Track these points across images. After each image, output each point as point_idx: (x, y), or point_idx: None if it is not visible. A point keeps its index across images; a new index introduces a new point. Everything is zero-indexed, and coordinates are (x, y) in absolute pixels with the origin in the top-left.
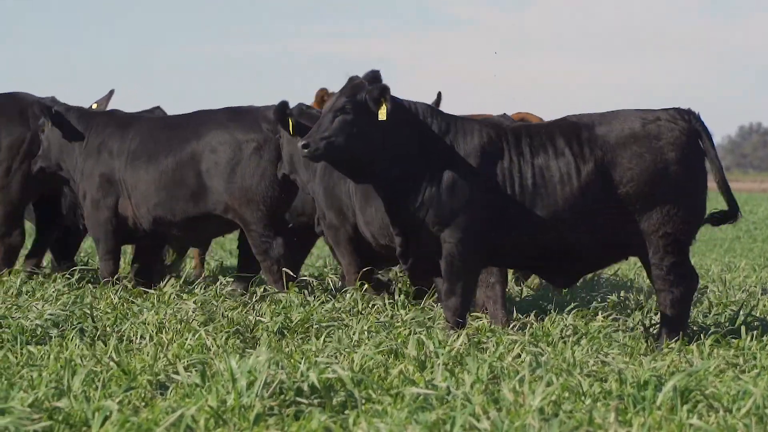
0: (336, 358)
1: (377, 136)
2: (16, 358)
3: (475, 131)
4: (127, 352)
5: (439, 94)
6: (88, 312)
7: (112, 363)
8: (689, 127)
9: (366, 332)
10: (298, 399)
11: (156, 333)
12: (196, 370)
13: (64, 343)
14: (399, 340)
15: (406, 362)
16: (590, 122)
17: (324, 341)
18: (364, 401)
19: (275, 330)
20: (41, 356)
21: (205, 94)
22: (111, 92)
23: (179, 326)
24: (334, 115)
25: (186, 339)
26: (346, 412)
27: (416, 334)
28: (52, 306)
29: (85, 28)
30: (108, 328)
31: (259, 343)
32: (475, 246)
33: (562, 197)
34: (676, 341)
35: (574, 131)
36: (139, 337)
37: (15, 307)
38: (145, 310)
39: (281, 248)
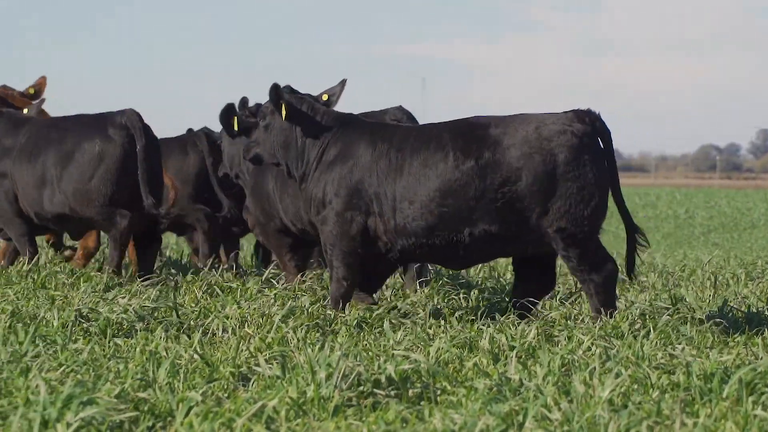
0: (412, 351)
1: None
2: (104, 350)
3: (359, 127)
4: (210, 345)
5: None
6: (173, 306)
7: (195, 355)
8: (584, 129)
9: (441, 326)
10: (376, 390)
11: (238, 327)
12: (277, 363)
13: (149, 336)
14: (473, 334)
15: (480, 355)
16: (486, 123)
17: (401, 334)
18: (439, 392)
19: (354, 323)
20: (127, 349)
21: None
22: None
23: (261, 320)
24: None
25: (267, 332)
26: (422, 403)
27: (489, 327)
28: (138, 300)
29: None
30: (192, 322)
31: (338, 336)
32: (348, 235)
33: (443, 192)
34: (604, 322)
35: (468, 131)
36: (222, 330)
37: (102, 301)
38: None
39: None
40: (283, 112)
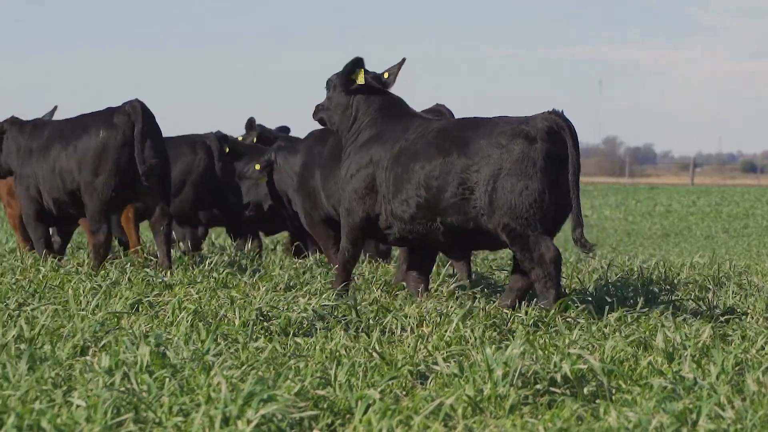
0: (587, 349)
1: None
2: (284, 349)
3: (393, 116)
4: (389, 343)
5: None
6: (353, 305)
7: (374, 354)
8: (541, 132)
9: (615, 324)
10: (551, 389)
11: (417, 326)
12: (454, 361)
13: (329, 335)
14: (647, 333)
15: (654, 354)
16: (465, 124)
17: (576, 333)
18: (614, 391)
19: (530, 323)
20: (307, 347)
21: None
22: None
23: (438, 319)
24: None
25: (445, 331)
26: (597, 401)
27: (663, 326)
28: (318, 300)
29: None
30: (371, 321)
31: (514, 335)
32: (357, 213)
33: (420, 184)
34: (550, 306)
35: (449, 130)
36: (400, 329)
37: (283, 300)
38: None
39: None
40: (360, 78)
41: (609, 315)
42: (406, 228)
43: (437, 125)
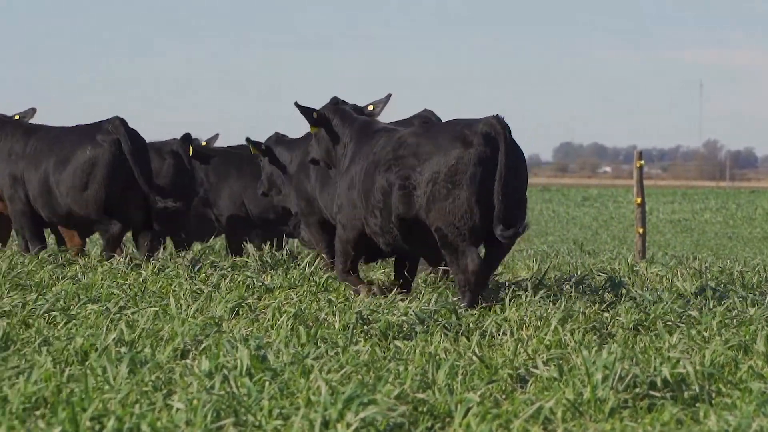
0: (687, 353)
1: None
2: (384, 352)
3: (364, 135)
4: (489, 347)
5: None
6: (452, 309)
7: (474, 357)
8: (479, 137)
9: (716, 328)
10: (651, 392)
11: (516, 329)
12: (554, 365)
13: (428, 339)
14: (747, 337)
15: (755, 358)
16: (415, 132)
17: (676, 337)
18: (714, 395)
19: (630, 326)
20: (407, 351)
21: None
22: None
23: (538, 323)
24: None
25: (545, 335)
26: (697, 405)
27: (764, 330)
28: (418, 303)
29: None
30: (471, 324)
31: (614, 338)
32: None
33: (371, 191)
34: (468, 309)
35: (400, 138)
36: (500, 332)
37: (383, 304)
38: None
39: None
40: (314, 115)
41: (710, 319)
42: (373, 232)
43: (398, 135)
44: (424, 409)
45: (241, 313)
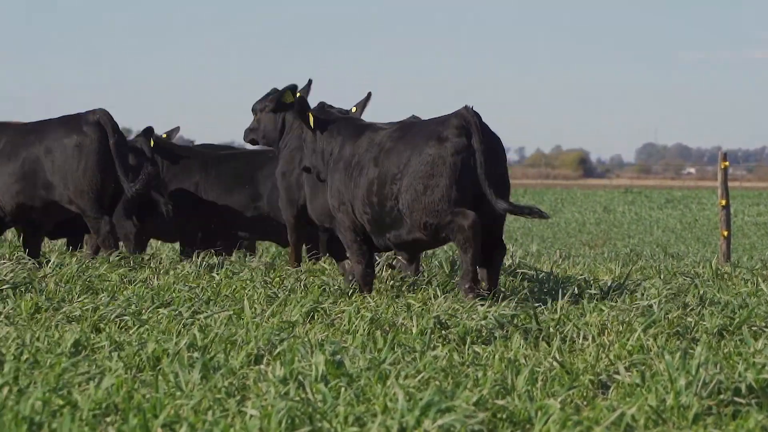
0: None
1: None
2: (462, 357)
3: (350, 133)
4: (569, 352)
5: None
6: (532, 313)
7: (555, 363)
8: (453, 131)
9: None
10: (736, 399)
11: (598, 334)
12: (636, 370)
13: (508, 344)
14: None
15: None
16: (392, 134)
17: (761, 342)
18: None
19: (714, 331)
20: (486, 356)
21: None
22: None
23: (621, 327)
24: None
25: (627, 340)
26: None
27: None
28: (497, 307)
29: None
30: (551, 329)
31: (698, 344)
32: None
33: (364, 204)
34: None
35: (379, 144)
36: (581, 337)
37: (461, 308)
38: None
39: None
40: (311, 122)
41: None
42: (375, 239)
43: (378, 138)
44: (503, 416)
45: (316, 317)
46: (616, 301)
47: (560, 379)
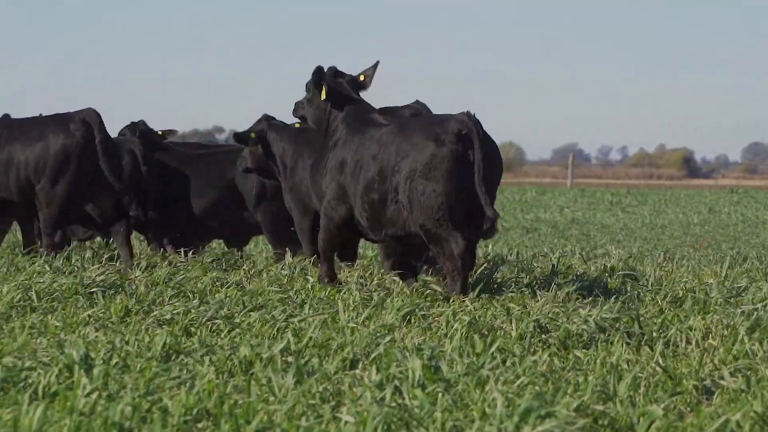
0: None
1: None
2: (562, 362)
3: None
4: (673, 357)
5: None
6: (635, 317)
7: (657, 368)
8: (452, 134)
9: None
10: None
11: (702, 338)
12: (741, 376)
13: (609, 348)
14: None
15: None
16: (393, 130)
17: None
18: None
19: None
20: (587, 361)
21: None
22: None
23: (725, 332)
24: None
25: (732, 344)
26: None
27: None
28: (599, 311)
29: None
30: (654, 333)
31: None
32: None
33: (364, 197)
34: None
35: (380, 139)
36: (685, 342)
37: (561, 312)
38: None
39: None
40: (323, 93)
41: None
42: (372, 235)
43: (381, 132)
44: (605, 422)
45: (413, 321)
46: (721, 305)
47: (663, 384)
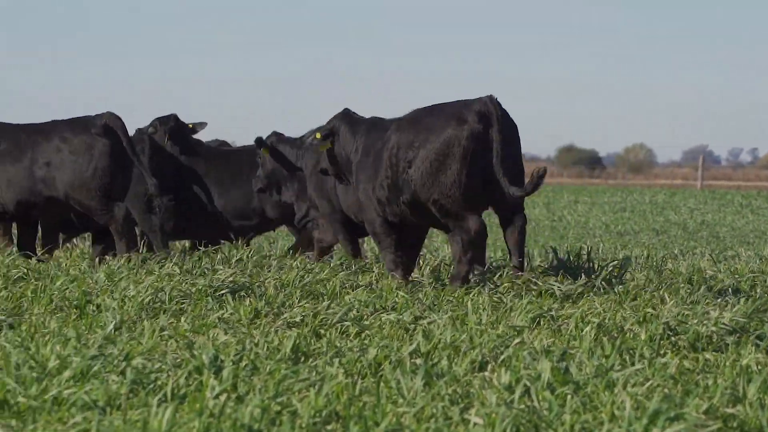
0: None
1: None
2: (692, 365)
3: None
4: None
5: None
6: (766, 319)
7: None
8: (474, 115)
9: None
10: None
11: None
12: None
13: (741, 351)
14: None
15: None
16: (417, 113)
17: None
18: None
19: None
20: (717, 363)
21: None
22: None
23: None
24: None
25: None
26: None
27: None
28: (730, 313)
29: None
30: None
31: None
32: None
33: (386, 170)
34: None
35: (403, 121)
36: None
37: (691, 314)
38: None
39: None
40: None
41: None
42: (390, 210)
43: (405, 117)
44: (734, 425)
45: (542, 323)
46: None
47: None
